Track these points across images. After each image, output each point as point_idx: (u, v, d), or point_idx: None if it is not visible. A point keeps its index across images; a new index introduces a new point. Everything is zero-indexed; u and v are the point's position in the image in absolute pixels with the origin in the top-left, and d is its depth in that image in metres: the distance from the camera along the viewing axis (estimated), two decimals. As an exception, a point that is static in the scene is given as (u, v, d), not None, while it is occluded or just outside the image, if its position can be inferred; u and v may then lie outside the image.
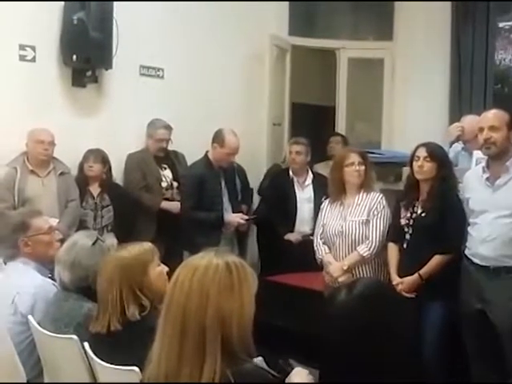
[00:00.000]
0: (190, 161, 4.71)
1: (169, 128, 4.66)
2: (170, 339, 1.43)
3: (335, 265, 3.51)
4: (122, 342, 2.03)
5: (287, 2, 5.92)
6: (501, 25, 5.46)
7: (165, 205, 4.52)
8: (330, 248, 3.60)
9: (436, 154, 3.27)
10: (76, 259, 2.38)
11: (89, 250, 2.40)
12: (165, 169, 4.66)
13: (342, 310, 1.55)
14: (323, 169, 5.20)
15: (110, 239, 2.57)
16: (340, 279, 3.45)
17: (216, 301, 1.42)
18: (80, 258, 2.38)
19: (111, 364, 2.02)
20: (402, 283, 3.24)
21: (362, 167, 3.51)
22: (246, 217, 4.40)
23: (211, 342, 1.39)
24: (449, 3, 5.58)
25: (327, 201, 3.72)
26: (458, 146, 4.13)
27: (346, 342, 1.47)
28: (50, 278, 2.60)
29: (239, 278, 1.46)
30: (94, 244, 2.43)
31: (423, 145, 3.31)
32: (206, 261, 1.48)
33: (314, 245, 3.70)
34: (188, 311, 1.42)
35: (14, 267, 2.65)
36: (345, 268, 3.46)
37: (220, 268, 1.46)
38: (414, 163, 3.29)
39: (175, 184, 4.63)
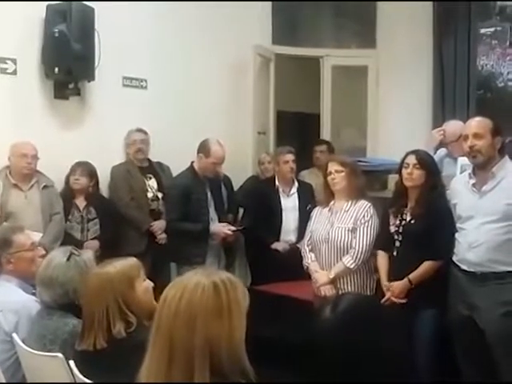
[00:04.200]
0: (174, 171, 4.69)
1: (142, 131, 4.67)
2: (157, 363, 1.41)
3: (321, 273, 3.52)
4: (108, 360, 1.99)
5: (270, 12, 5.93)
6: (482, 31, 5.50)
7: (154, 227, 4.51)
8: (316, 255, 3.60)
9: (425, 161, 3.29)
10: (53, 277, 2.35)
11: (64, 266, 2.37)
12: (150, 178, 4.65)
13: (326, 328, 1.54)
14: (309, 176, 5.21)
15: (86, 253, 2.52)
16: (324, 288, 3.46)
17: (204, 326, 1.39)
18: (57, 275, 2.35)
19: (97, 382, 1.98)
20: (391, 287, 3.25)
21: (340, 174, 3.51)
22: (233, 228, 4.38)
23: (200, 366, 1.36)
24: (430, 10, 5.63)
25: (318, 207, 3.73)
26: (442, 151, 4.16)
27: (331, 360, 1.47)
28: (33, 294, 2.56)
29: (228, 300, 1.43)
30: (68, 259, 2.39)
31: (412, 152, 3.32)
32: (193, 282, 1.44)
33: (302, 251, 3.72)
34: (175, 336, 1.39)
35: (-4, 285, 2.61)
36: (330, 277, 3.47)
37: (207, 290, 1.42)
38: (404, 170, 3.30)
39: (160, 195, 4.61)
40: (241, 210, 5.07)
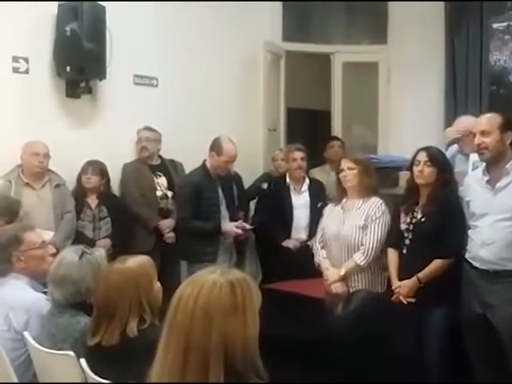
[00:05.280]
0: (186, 170, 4.69)
1: (150, 129, 4.66)
2: (172, 361, 1.40)
3: (332, 270, 3.52)
4: (119, 357, 1.99)
5: (281, 8, 5.91)
6: (495, 26, 5.47)
7: (161, 225, 4.52)
8: (327, 252, 3.61)
9: (437, 158, 3.26)
10: (65, 275, 2.35)
11: (76, 265, 2.38)
12: (159, 176, 4.65)
13: (337, 326, 1.54)
14: (320, 173, 5.20)
15: (98, 251, 2.53)
16: (335, 285, 3.46)
17: (220, 324, 1.39)
18: (69, 273, 2.36)
19: (108, 379, 1.99)
20: (400, 287, 3.23)
21: (352, 172, 3.50)
22: (247, 226, 4.35)
23: (215, 364, 1.37)
24: (442, 5, 5.59)
25: (330, 204, 3.72)
26: (454, 148, 4.13)
27: (341, 357, 1.47)
28: (44, 293, 2.57)
29: (243, 299, 1.43)
30: (80, 258, 2.40)
31: (424, 149, 3.29)
32: (211, 280, 1.44)
33: (313, 248, 3.72)
34: (191, 334, 1.39)
35: (6, 283, 2.61)
36: (341, 274, 3.46)
37: (225, 289, 1.42)
38: (415, 167, 3.27)
39: (170, 193, 4.62)
40: (252, 208, 5.07)
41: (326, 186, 4.69)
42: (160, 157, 4.75)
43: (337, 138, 5.59)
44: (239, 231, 4.24)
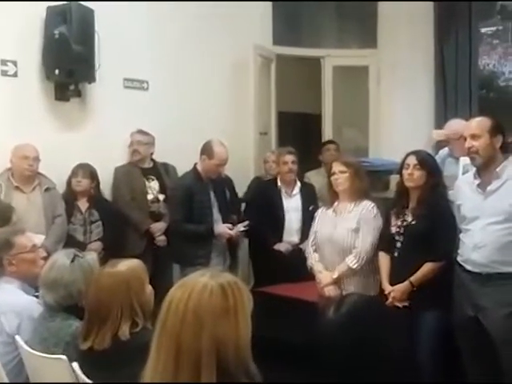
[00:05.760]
0: (178, 172, 4.68)
1: (142, 132, 4.64)
2: (164, 364, 1.40)
3: (325, 273, 3.52)
4: (111, 361, 1.98)
5: (271, 12, 5.93)
6: (483, 30, 5.52)
7: (152, 228, 4.51)
8: (320, 255, 3.61)
9: (426, 161, 3.28)
10: (57, 279, 2.34)
11: (68, 268, 2.37)
12: (152, 180, 4.63)
13: (328, 329, 1.54)
14: (316, 176, 5.19)
15: (90, 254, 2.53)
16: (328, 288, 3.46)
17: (211, 327, 1.38)
18: (61, 277, 2.34)
19: (100, 382, 1.98)
20: (394, 291, 3.24)
21: (343, 175, 3.51)
22: (242, 227, 4.32)
23: (206, 366, 1.36)
24: (431, 9, 5.63)
25: (322, 208, 3.73)
26: (445, 151, 4.16)
27: (334, 359, 1.47)
28: (35, 296, 2.56)
29: (235, 301, 1.42)
30: (72, 261, 2.39)
31: (413, 153, 3.31)
32: (201, 283, 1.43)
33: (306, 252, 3.72)
34: (182, 338, 1.38)
35: (-3, 287, 2.61)
36: (334, 277, 3.46)
37: (215, 292, 1.42)
38: (404, 171, 3.28)
39: (161, 197, 4.61)
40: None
41: (321, 189, 4.67)
42: (153, 160, 4.74)
43: (332, 142, 5.57)
44: (232, 232, 4.24)
